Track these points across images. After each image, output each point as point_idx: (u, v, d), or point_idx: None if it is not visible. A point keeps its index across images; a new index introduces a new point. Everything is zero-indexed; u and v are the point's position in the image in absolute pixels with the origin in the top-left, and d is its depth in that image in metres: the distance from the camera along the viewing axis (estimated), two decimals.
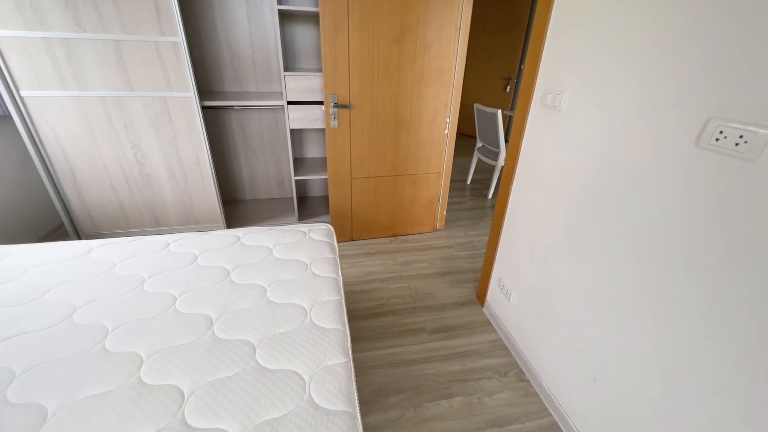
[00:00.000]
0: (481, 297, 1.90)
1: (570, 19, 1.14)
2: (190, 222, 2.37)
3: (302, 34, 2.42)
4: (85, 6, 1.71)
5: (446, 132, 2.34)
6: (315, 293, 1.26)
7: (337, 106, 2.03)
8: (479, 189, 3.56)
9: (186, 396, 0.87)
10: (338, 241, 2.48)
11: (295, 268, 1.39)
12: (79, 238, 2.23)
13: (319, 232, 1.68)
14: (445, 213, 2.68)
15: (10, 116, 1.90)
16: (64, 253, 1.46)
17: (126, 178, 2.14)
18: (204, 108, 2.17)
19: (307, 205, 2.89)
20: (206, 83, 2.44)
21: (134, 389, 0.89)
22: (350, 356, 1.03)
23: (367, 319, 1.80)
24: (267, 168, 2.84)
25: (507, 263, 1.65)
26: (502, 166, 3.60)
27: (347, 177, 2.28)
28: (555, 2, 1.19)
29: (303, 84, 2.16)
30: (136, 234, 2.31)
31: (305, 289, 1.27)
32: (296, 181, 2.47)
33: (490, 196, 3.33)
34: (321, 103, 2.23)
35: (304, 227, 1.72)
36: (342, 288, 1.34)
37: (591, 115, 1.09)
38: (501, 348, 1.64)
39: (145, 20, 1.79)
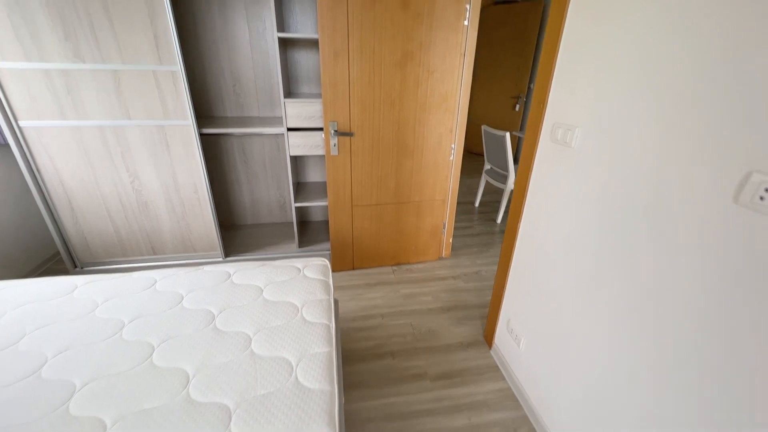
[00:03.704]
0: (488, 338, 1.76)
1: (584, 48, 1.05)
2: (187, 250, 2.31)
3: (305, 59, 2.39)
4: (85, 37, 1.71)
5: (451, 158, 2.24)
6: (304, 344, 1.15)
7: (337, 133, 1.97)
8: (488, 212, 3.44)
9: None
10: (339, 270, 2.38)
11: (285, 313, 1.29)
12: (75, 266, 2.19)
13: (314, 269, 1.58)
14: (451, 240, 2.56)
15: (8, 145, 1.89)
16: (48, 291, 1.40)
17: (123, 207, 2.10)
18: (203, 134, 2.14)
19: (309, 230, 2.81)
20: (208, 109, 2.42)
21: None
22: (337, 426, 0.92)
23: (365, 361, 1.68)
24: (269, 193, 2.78)
25: (515, 305, 1.52)
26: (512, 190, 3.48)
27: (348, 204, 2.19)
28: (565, 26, 1.10)
29: (304, 110, 2.11)
30: (132, 262, 2.26)
31: (294, 339, 1.17)
32: (297, 207, 2.40)
33: (499, 221, 3.20)
34: (322, 129, 2.17)
35: (299, 262, 1.63)
36: (335, 336, 1.24)
37: (607, 156, 0.98)
38: (510, 399, 1.49)
39: (143, 50, 1.77)
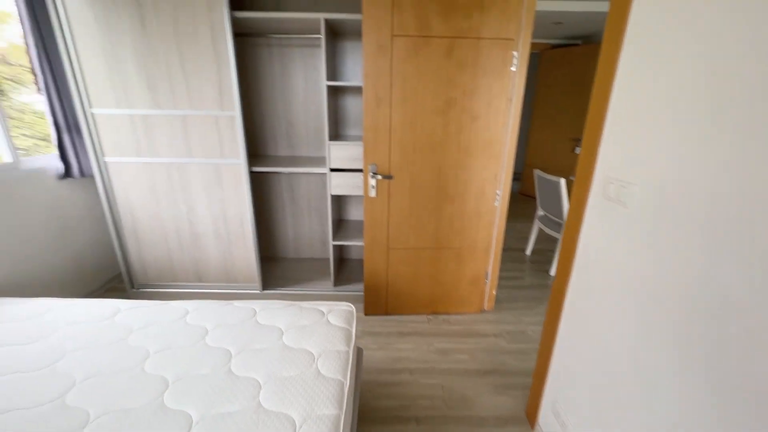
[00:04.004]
0: (531, 415, 1.51)
1: (641, 93, 0.92)
2: (228, 280, 2.40)
3: (354, 104, 2.49)
4: (164, 88, 1.96)
5: (496, 204, 2.11)
6: (312, 402, 1.07)
7: (376, 176, 1.96)
8: (540, 262, 3.15)
9: None
10: (371, 314, 2.29)
11: (300, 362, 1.23)
12: (132, 287, 2.39)
13: (338, 315, 1.52)
14: (495, 292, 2.35)
15: (93, 177, 2.19)
16: (95, 313, 1.51)
17: (178, 236, 2.28)
18: (254, 172, 2.28)
19: (348, 268, 2.78)
20: (263, 148, 2.60)
21: None
22: None
23: (386, 424, 1.53)
24: (312, 228, 2.85)
25: (562, 383, 1.29)
26: None
27: (384, 247, 2.14)
28: (619, 69, 0.99)
29: (347, 152, 2.16)
30: (179, 287, 2.40)
31: (303, 394, 1.10)
32: (335, 245, 2.40)
33: (552, 272, 2.90)
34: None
35: (325, 306, 1.58)
36: (347, 395, 1.14)
37: (672, 221, 0.81)
38: None
39: (209, 98, 1.98)
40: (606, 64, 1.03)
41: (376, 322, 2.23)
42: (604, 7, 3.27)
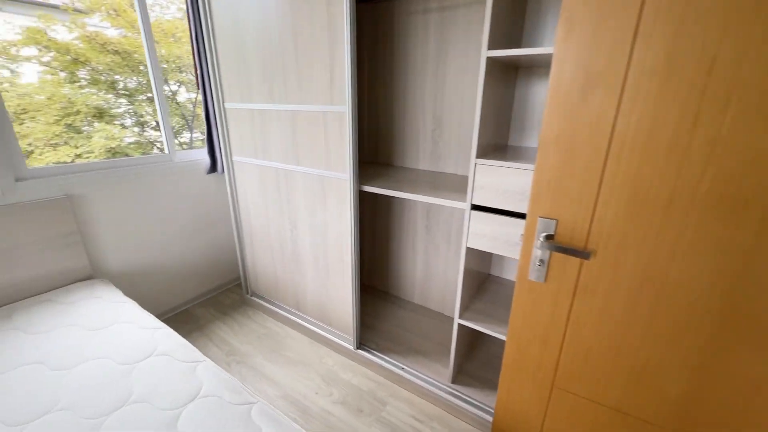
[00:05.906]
0: None
1: None
2: (323, 320, 1.90)
3: (544, 93, 1.44)
4: (278, 76, 1.57)
5: None
6: None
7: (550, 245, 0.92)
8: None
9: None
10: None
11: None
12: (247, 293, 2.25)
13: None
14: None
15: (224, 174, 2.11)
16: (142, 348, 1.24)
17: (282, 252, 1.94)
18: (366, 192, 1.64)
19: (484, 352, 1.79)
20: (400, 157, 1.93)
21: None
22: None
23: None
24: (447, 273, 2.00)
25: None
26: None
27: (544, 381, 1.07)
28: None
29: (506, 180, 1.18)
30: (282, 309, 2.09)
31: None
32: (462, 324, 1.48)
33: None
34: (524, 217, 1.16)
35: None
36: None
37: None
38: None
39: (319, 88, 1.45)
40: None
41: None
42: None
